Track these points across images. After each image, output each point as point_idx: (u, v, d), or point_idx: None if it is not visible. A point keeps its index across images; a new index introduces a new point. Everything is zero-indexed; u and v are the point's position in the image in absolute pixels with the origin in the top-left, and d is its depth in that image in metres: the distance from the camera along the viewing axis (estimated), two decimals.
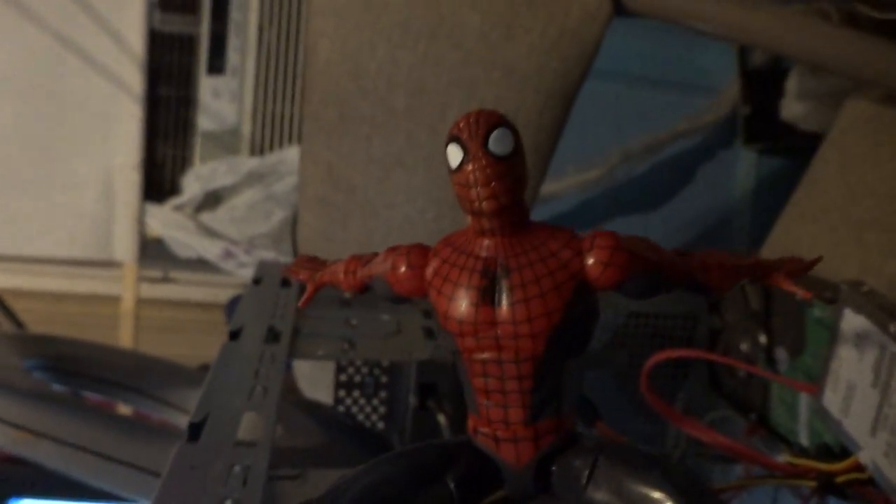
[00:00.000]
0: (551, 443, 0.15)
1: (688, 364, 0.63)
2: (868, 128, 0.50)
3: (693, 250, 0.18)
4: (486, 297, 0.15)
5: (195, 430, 0.25)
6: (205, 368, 0.46)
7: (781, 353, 0.48)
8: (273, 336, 0.35)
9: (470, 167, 0.14)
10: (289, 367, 0.73)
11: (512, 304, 0.15)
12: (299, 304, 0.20)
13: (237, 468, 0.23)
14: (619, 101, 1.10)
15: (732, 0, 0.38)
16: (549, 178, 1.15)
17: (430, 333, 0.45)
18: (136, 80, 0.95)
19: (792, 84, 1.02)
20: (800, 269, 0.17)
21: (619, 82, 1.11)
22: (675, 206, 1.17)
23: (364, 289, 0.18)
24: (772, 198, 0.60)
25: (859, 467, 0.37)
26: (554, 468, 0.16)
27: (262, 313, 0.39)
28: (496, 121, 0.15)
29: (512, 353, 0.15)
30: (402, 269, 0.16)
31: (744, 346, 0.52)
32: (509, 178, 0.15)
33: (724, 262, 0.16)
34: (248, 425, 0.26)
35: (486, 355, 0.15)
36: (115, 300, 0.99)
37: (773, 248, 0.57)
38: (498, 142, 0.14)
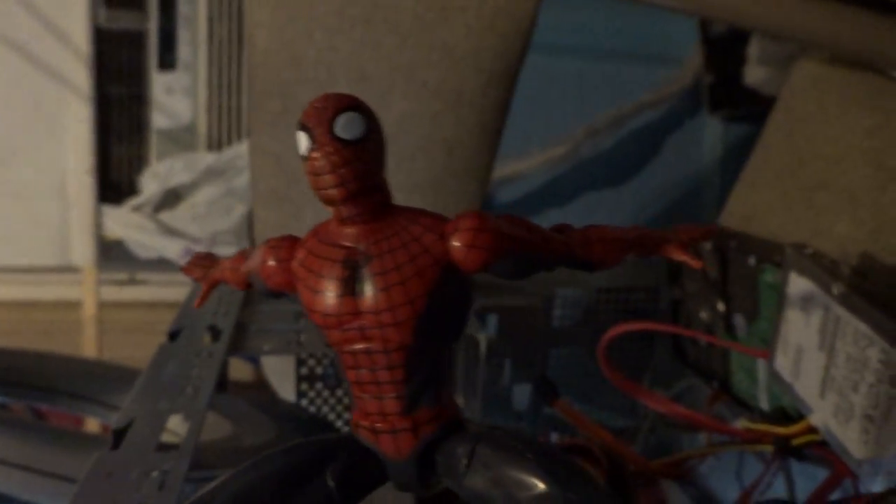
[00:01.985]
0: (431, 432, 0.15)
1: (652, 336, 0.63)
2: (815, 90, 0.50)
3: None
4: (348, 287, 0.14)
5: (118, 437, 0.24)
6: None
7: (739, 320, 0.48)
8: (214, 334, 0.35)
9: (317, 154, 0.14)
10: (256, 363, 0.72)
11: (374, 293, 0.14)
12: (194, 304, 0.20)
13: (155, 474, 0.22)
14: (581, 77, 1.10)
15: None
16: (514, 157, 1.15)
17: None
18: (84, 80, 0.93)
19: (753, 50, 1.01)
20: (693, 239, 0.16)
21: (581, 58, 1.11)
22: (644, 178, 1.17)
23: (247, 285, 0.17)
24: (739, 164, 0.60)
25: (812, 429, 0.37)
26: (437, 457, 0.15)
27: (205, 312, 0.38)
28: (344, 104, 0.14)
29: (379, 343, 0.14)
30: (270, 262, 0.15)
31: (703, 315, 0.52)
32: (359, 164, 0.14)
33: (605, 236, 0.16)
34: (174, 431, 0.25)
35: (354, 347, 0.15)
36: (77, 305, 0.97)
37: (731, 216, 0.57)
38: (346, 126, 0.14)
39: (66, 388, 0.38)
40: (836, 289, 0.33)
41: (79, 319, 0.97)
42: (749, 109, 1.13)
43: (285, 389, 0.59)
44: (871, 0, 0.38)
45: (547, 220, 0.17)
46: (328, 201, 0.14)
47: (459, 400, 0.53)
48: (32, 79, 0.91)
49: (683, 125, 1.15)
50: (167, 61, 0.96)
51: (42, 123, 0.92)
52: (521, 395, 0.59)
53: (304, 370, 0.54)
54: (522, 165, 1.04)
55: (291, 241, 0.15)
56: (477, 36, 0.44)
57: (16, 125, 0.92)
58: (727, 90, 1.11)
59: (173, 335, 0.34)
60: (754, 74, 1.01)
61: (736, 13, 0.40)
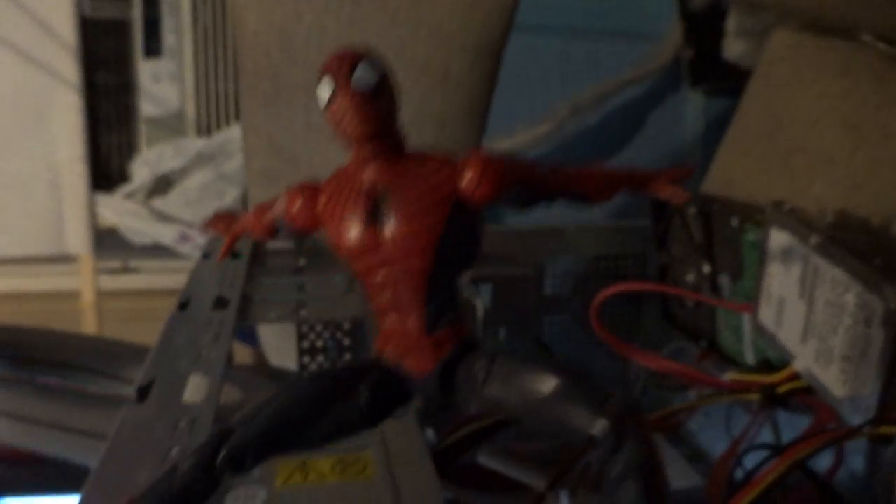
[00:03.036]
0: (451, 350, 0.17)
1: (641, 301, 0.65)
2: (790, 58, 0.52)
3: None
4: (371, 219, 0.16)
5: (142, 393, 0.26)
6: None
7: (724, 280, 0.50)
8: (221, 304, 0.36)
9: (339, 100, 0.15)
10: (255, 341, 0.74)
11: (395, 224, 0.16)
12: (218, 258, 0.21)
13: (183, 423, 0.24)
14: (563, 55, 1.11)
15: None
16: (498, 135, 1.16)
17: None
18: (71, 69, 0.93)
19: (731, 23, 1.03)
20: (676, 176, 0.18)
21: (563, 36, 1.12)
22: (628, 155, 1.19)
23: (273, 232, 0.18)
24: (721, 136, 0.61)
25: (796, 376, 0.39)
26: (457, 373, 0.17)
27: (211, 284, 0.39)
28: (361, 55, 0.16)
29: (402, 267, 0.16)
30: (297, 204, 0.17)
31: (690, 277, 0.54)
32: (377, 107, 0.16)
33: (598, 173, 0.17)
34: (194, 388, 0.27)
35: (380, 274, 0.16)
36: (74, 295, 0.98)
37: (713, 181, 0.59)
38: (363, 74, 0.15)
39: (71, 362, 0.40)
40: (814, 239, 0.35)
41: (77, 308, 0.97)
42: (729, 83, 1.14)
43: (286, 364, 0.60)
44: None
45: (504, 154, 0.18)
46: (349, 141, 0.16)
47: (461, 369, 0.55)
48: (20, 70, 0.91)
49: (665, 100, 1.17)
50: (153, 49, 0.96)
51: (31, 114, 0.92)
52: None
53: (305, 344, 0.56)
54: (508, 143, 1.05)
55: (313, 186, 0.17)
56: (462, 13, 0.45)
57: (5, 117, 0.92)
58: (707, 64, 1.13)
59: (182, 305, 0.36)
60: (733, 48, 1.03)
61: None
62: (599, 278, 0.62)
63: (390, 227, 0.16)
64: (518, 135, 1.05)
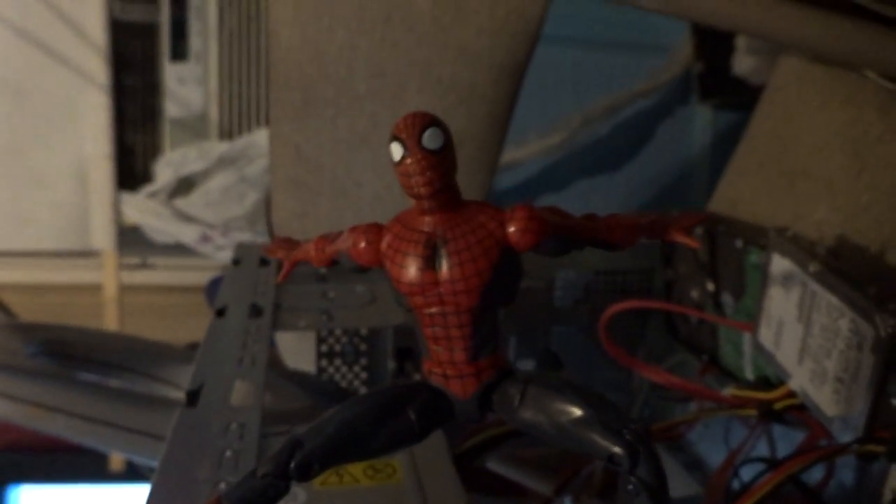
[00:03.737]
0: (491, 377, 0.19)
1: (647, 315, 0.67)
2: (798, 83, 0.54)
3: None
4: (429, 263, 0.18)
5: (193, 397, 0.28)
6: (192, 347, 0.49)
7: (727, 298, 0.52)
8: (256, 311, 0.38)
9: (409, 161, 0.18)
10: (272, 344, 0.76)
11: (450, 268, 0.18)
12: (278, 279, 0.23)
13: (233, 426, 0.26)
14: (576, 67, 1.13)
15: None
16: (512, 145, 1.18)
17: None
18: (100, 70, 0.95)
19: (742, 40, 1.05)
20: (690, 223, 0.20)
21: (576, 48, 1.14)
22: (637, 166, 1.21)
23: (333, 263, 0.21)
24: (728, 151, 0.63)
25: (792, 394, 0.41)
26: (494, 396, 0.19)
27: (245, 291, 0.42)
28: (429, 121, 0.18)
29: (453, 306, 0.18)
30: (362, 244, 0.19)
31: (694, 294, 0.56)
32: (441, 168, 0.18)
33: (624, 222, 0.20)
34: (240, 392, 0.29)
35: (433, 310, 0.18)
36: (96, 288, 1.00)
37: (719, 202, 0.61)
38: (431, 139, 0.18)
39: (111, 360, 0.42)
40: (813, 267, 0.37)
41: (98, 302, 1.00)
42: (738, 97, 1.16)
43: (302, 367, 0.63)
44: (844, 4, 0.41)
45: (544, 204, 0.21)
46: (417, 197, 0.18)
47: None
48: (51, 70, 0.94)
49: (674, 113, 1.19)
50: (179, 52, 0.99)
51: (61, 112, 0.94)
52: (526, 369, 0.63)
53: (324, 347, 0.58)
54: (520, 153, 1.07)
55: (378, 227, 0.19)
56: (489, 35, 0.48)
57: (36, 115, 0.95)
58: (717, 79, 1.14)
59: (220, 312, 0.38)
60: (743, 64, 1.05)
61: (717, 17, 0.44)
62: (607, 292, 0.64)
63: (445, 271, 0.18)
64: (530, 144, 1.07)
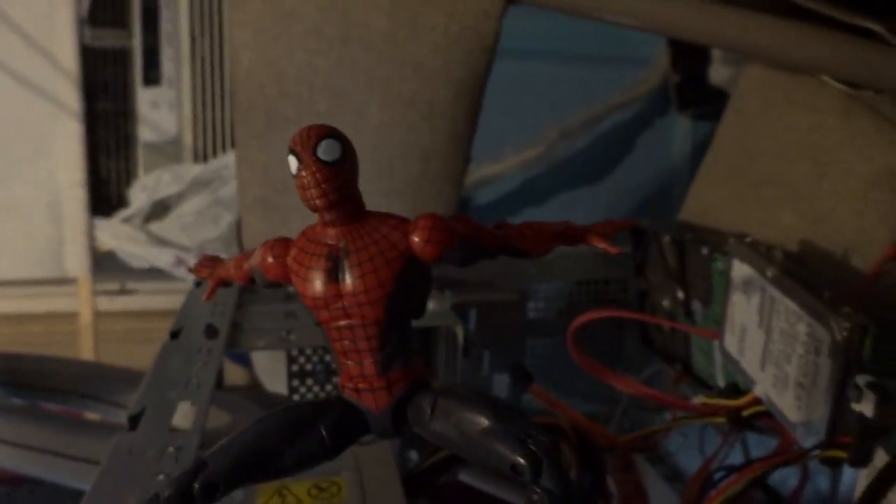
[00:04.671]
0: (402, 390, 0.19)
1: (623, 326, 0.67)
2: (761, 91, 0.54)
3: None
4: (332, 276, 0.18)
5: (134, 421, 0.28)
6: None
7: (697, 306, 0.52)
8: (211, 332, 0.38)
9: (304, 173, 0.17)
10: (249, 363, 0.76)
11: (353, 280, 0.18)
12: (204, 297, 0.23)
13: (171, 449, 0.26)
14: (553, 81, 1.14)
15: None
16: (490, 160, 1.18)
17: None
18: (72, 97, 0.95)
19: (717, 50, 1.06)
20: (610, 230, 0.20)
21: (552, 62, 1.15)
22: (617, 177, 1.21)
23: (250, 280, 0.20)
24: None
25: (758, 401, 0.41)
26: (408, 409, 0.19)
27: (203, 313, 0.41)
28: (325, 133, 0.18)
29: (359, 318, 0.18)
30: (269, 259, 0.19)
31: (666, 303, 0.56)
32: (338, 180, 0.18)
33: (537, 229, 0.19)
34: (183, 415, 0.29)
35: (340, 323, 0.18)
36: (72, 316, 0.99)
37: (689, 211, 0.61)
38: (326, 151, 0.17)
39: (70, 388, 0.41)
40: (770, 272, 0.37)
41: (75, 330, 0.99)
42: (715, 107, 1.16)
43: (277, 387, 0.62)
44: (805, 14, 0.42)
45: (523, 219, 0.20)
46: (314, 209, 0.18)
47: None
48: (22, 97, 0.93)
49: (653, 124, 1.20)
50: (151, 77, 0.99)
51: (33, 140, 0.94)
52: (501, 384, 0.63)
53: (295, 367, 0.58)
54: (498, 168, 1.08)
55: (285, 241, 0.19)
56: (445, 51, 0.48)
57: (8, 143, 0.94)
58: (694, 89, 1.15)
59: (174, 334, 0.38)
60: (719, 74, 1.05)
61: (683, 30, 0.44)
62: (582, 303, 0.64)
63: (347, 284, 0.18)
64: (507, 159, 1.07)
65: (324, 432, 0.18)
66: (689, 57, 1.16)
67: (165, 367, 0.33)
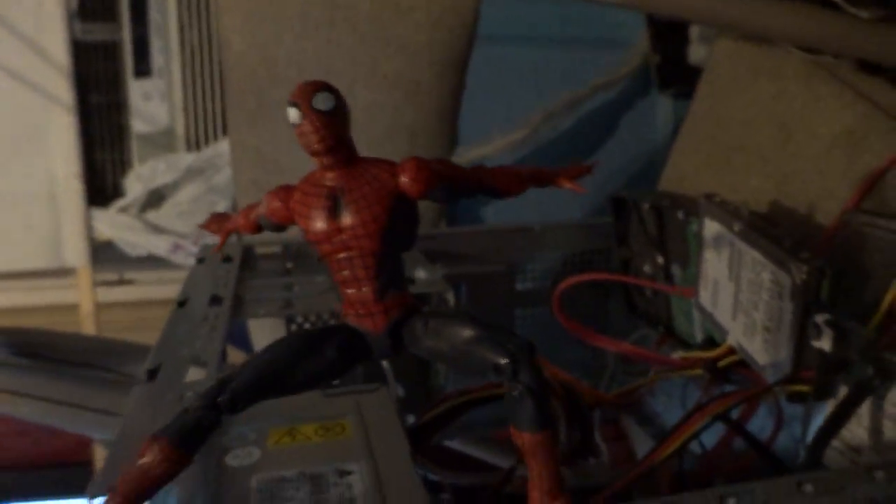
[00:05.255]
0: (398, 313, 0.21)
1: (607, 294, 0.70)
2: (730, 62, 0.56)
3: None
4: (332, 213, 0.20)
5: (151, 374, 0.30)
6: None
7: (676, 269, 0.55)
8: (216, 301, 0.40)
9: (304, 122, 0.20)
10: (249, 347, 0.78)
11: (350, 215, 0.20)
12: (214, 249, 0.25)
13: (189, 393, 0.28)
14: (536, 64, 1.16)
15: None
16: (476, 142, 1.20)
17: None
18: (65, 91, 0.97)
19: (695, 30, 1.08)
20: (576, 173, 0.22)
21: (535, 46, 1.17)
22: (602, 157, 1.24)
23: (258, 227, 0.23)
24: None
25: (732, 351, 0.43)
26: (403, 332, 0.21)
27: (207, 285, 0.44)
28: (320, 87, 0.20)
29: (357, 250, 0.20)
30: (275, 203, 0.21)
31: (647, 269, 0.59)
32: (333, 127, 0.20)
33: (509, 171, 0.22)
34: (195, 372, 0.31)
35: (340, 255, 0.21)
36: (73, 308, 1.01)
37: (668, 180, 0.64)
38: (322, 101, 0.20)
39: (80, 360, 0.44)
40: (737, 227, 0.39)
41: (76, 321, 1.01)
42: (694, 86, 1.18)
43: None
44: None
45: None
46: (313, 154, 0.20)
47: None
48: (16, 93, 0.95)
49: (635, 104, 1.22)
50: (142, 69, 1.00)
51: (28, 134, 0.96)
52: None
53: None
54: (485, 150, 1.10)
55: (288, 188, 0.21)
56: (427, 31, 0.50)
57: (3, 138, 0.96)
58: (674, 69, 1.17)
59: (181, 303, 0.40)
60: (697, 53, 1.08)
61: (658, 5, 0.47)
62: (567, 273, 0.66)
63: (346, 219, 0.20)
64: (494, 141, 1.10)
65: (330, 354, 0.21)
66: (669, 38, 1.18)
67: (175, 330, 0.36)
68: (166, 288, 1.00)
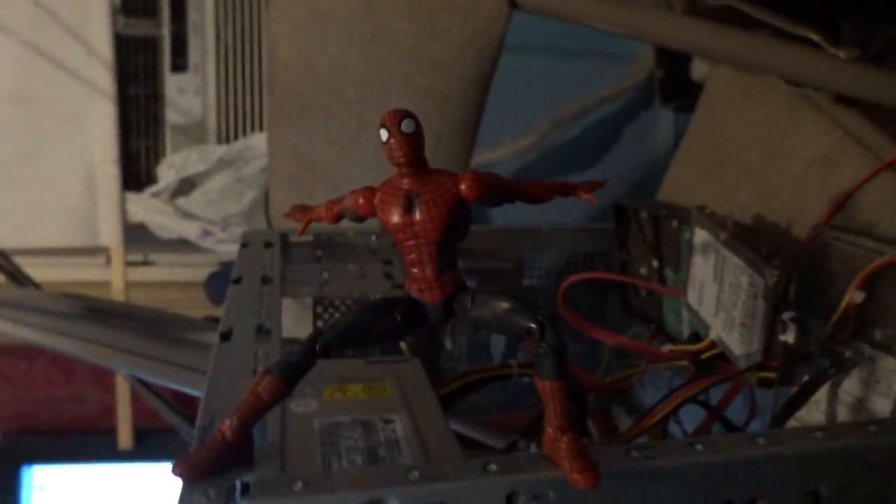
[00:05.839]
0: (451, 289, 0.27)
1: (605, 294, 0.76)
2: (726, 87, 0.63)
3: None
4: (407, 210, 0.26)
5: (226, 335, 0.36)
6: (209, 319, 0.56)
7: (669, 273, 0.61)
8: (266, 280, 0.46)
9: (392, 141, 0.26)
10: None
11: (421, 212, 0.26)
12: (297, 234, 0.31)
13: (260, 352, 0.34)
14: (547, 74, 1.22)
15: (595, 1, 0.50)
16: (487, 147, 1.26)
17: (388, 276, 0.56)
18: (106, 81, 1.03)
19: None
20: (592, 186, 0.28)
21: (546, 57, 1.23)
22: (605, 165, 1.30)
23: (338, 218, 0.29)
24: None
25: (713, 344, 0.49)
26: (454, 304, 0.27)
27: (255, 266, 0.50)
28: (405, 114, 0.26)
29: (424, 239, 0.26)
30: (361, 200, 0.27)
31: (643, 271, 0.65)
32: (413, 145, 0.26)
33: (540, 184, 0.28)
34: (264, 334, 0.37)
35: (410, 243, 0.27)
36: (102, 285, 1.07)
37: (666, 191, 0.70)
38: (406, 126, 0.26)
39: (147, 329, 0.49)
40: (723, 236, 0.45)
41: (107, 298, 1.07)
42: (695, 101, 1.24)
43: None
44: (759, 24, 0.50)
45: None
46: (397, 165, 0.26)
47: (448, 342, 0.65)
48: (61, 82, 1.00)
49: (639, 116, 1.29)
50: (179, 64, 1.06)
51: (70, 120, 1.01)
52: (498, 342, 0.71)
53: (319, 323, 0.66)
54: (495, 154, 1.16)
55: (371, 188, 0.27)
56: (459, 50, 0.56)
57: (47, 123, 1.01)
58: (677, 84, 1.23)
59: (237, 280, 0.46)
60: (699, 70, 1.14)
61: (659, 38, 0.53)
62: (570, 272, 0.72)
63: (417, 215, 0.26)
64: (505, 146, 1.16)
65: (398, 317, 0.27)
66: (672, 55, 1.24)
67: (237, 302, 0.42)
68: (187, 270, 1.06)
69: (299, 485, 0.23)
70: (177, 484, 0.24)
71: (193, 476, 0.23)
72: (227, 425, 0.25)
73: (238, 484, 0.23)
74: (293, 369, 0.25)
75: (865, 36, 0.59)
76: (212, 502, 0.23)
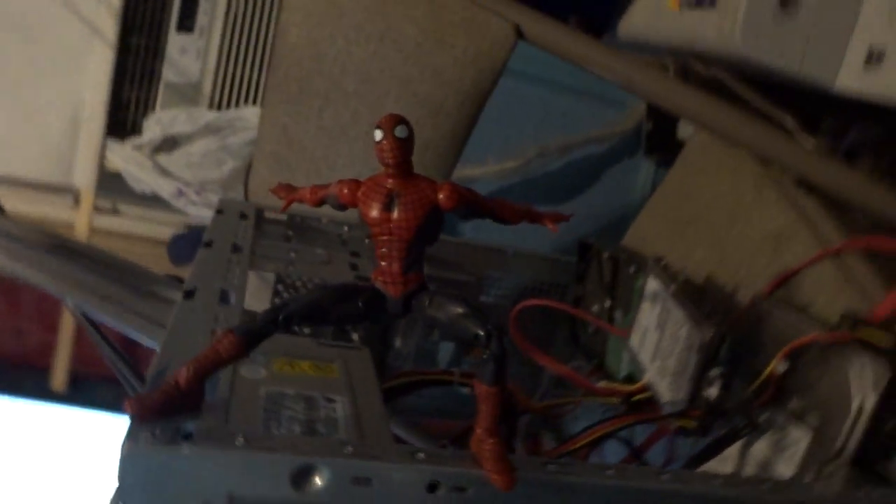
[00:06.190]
0: (413, 286, 0.29)
1: (555, 325, 0.78)
2: (702, 152, 0.66)
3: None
4: (386, 207, 0.28)
5: (189, 293, 0.37)
6: (171, 277, 0.57)
7: (618, 314, 0.64)
8: (237, 249, 0.48)
9: (385, 142, 0.28)
10: None
11: (399, 212, 0.28)
12: (280, 210, 0.33)
13: (220, 316, 0.35)
14: (541, 104, 1.25)
15: (596, 48, 0.53)
16: (472, 163, 1.28)
17: (354, 267, 0.58)
18: (110, 28, 1.02)
19: None
20: (557, 218, 0.31)
21: (544, 87, 1.26)
22: (580, 201, 1.34)
23: (320, 203, 0.31)
24: None
25: (645, 388, 0.52)
26: (413, 301, 0.29)
27: (227, 234, 0.51)
28: (400, 120, 0.28)
29: (396, 236, 0.28)
30: (346, 190, 0.29)
31: (595, 308, 0.67)
32: (403, 150, 0.28)
33: (512, 206, 0.30)
34: (226, 297, 0.38)
35: (383, 238, 0.28)
36: (68, 226, 1.06)
37: (632, 238, 0.73)
38: (399, 130, 0.28)
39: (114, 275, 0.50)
40: (672, 289, 0.48)
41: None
42: (676, 157, 1.28)
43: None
44: (736, 97, 0.54)
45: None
46: (385, 165, 0.28)
47: (398, 341, 0.67)
48: (65, 20, 1.00)
49: (621, 161, 1.32)
50: (186, 24, 1.06)
51: (66, 58, 1.01)
52: (446, 350, 0.73)
53: (277, 300, 0.67)
54: (477, 172, 1.18)
55: (356, 181, 0.29)
56: (461, 66, 0.58)
57: (40, 55, 1.01)
58: (662, 138, 1.27)
59: (208, 244, 0.47)
60: (685, 130, 1.18)
61: (647, 93, 0.56)
62: (526, 297, 0.75)
63: (395, 214, 0.28)
64: (487, 165, 1.18)
65: (360, 304, 0.28)
66: (662, 111, 1.28)
67: (204, 265, 0.43)
68: (154, 227, 1.06)
69: (241, 439, 0.25)
70: (120, 425, 0.25)
71: (143, 415, 0.25)
72: (181, 373, 0.26)
73: (183, 428, 0.25)
74: (254, 334, 0.27)
75: (843, 132, 0.63)
76: (157, 441, 0.24)
